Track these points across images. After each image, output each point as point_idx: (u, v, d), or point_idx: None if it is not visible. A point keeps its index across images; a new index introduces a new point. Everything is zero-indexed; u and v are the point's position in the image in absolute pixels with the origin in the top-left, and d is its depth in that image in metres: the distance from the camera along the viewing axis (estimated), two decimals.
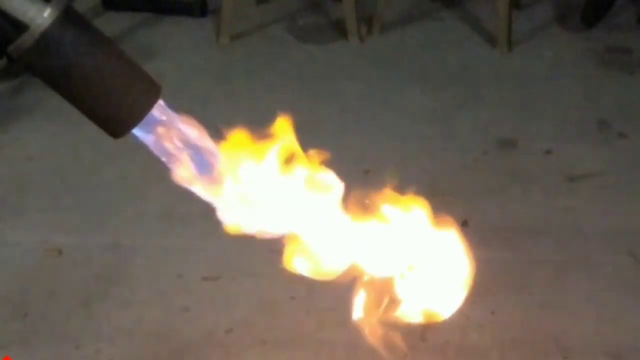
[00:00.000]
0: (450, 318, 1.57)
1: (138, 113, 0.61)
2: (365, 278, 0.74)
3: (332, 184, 0.72)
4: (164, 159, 0.65)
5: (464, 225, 1.82)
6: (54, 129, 2.20)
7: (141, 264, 1.72)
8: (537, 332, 1.52)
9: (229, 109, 2.27)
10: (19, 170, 2.07)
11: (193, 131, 0.66)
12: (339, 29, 2.79)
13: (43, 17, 0.56)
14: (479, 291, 1.66)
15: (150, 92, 0.62)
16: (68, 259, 1.74)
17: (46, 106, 2.25)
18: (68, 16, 0.58)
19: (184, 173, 0.66)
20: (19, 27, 0.56)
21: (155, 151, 0.65)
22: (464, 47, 2.71)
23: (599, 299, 1.60)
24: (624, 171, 2.02)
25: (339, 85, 2.47)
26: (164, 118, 0.64)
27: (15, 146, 2.17)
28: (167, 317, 1.57)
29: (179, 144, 0.65)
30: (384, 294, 0.74)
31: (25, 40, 0.56)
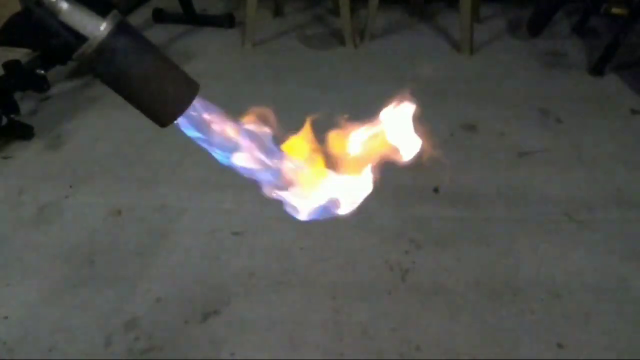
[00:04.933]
0: (424, 263, 1.55)
1: (180, 107, 0.59)
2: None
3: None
4: (200, 142, 0.63)
5: (435, 191, 1.78)
6: (115, 116, 2.16)
7: (183, 221, 1.68)
8: (493, 275, 1.48)
9: (252, 100, 2.24)
10: (88, 148, 2.04)
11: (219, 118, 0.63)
12: (338, 38, 2.76)
13: (100, 30, 0.54)
14: (448, 242, 1.65)
15: (189, 89, 0.60)
16: (126, 217, 1.70)
17: (109, 98, 2.21)
18: (121, 29, 0.55)
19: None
20: (81, 38, 0.55)
21: (193, 137, 0.62)
22: (435, 52, 2.68)
23: (541, 250, 1.56)
24: (561, 149, 1.98)
25: (338, 81, 2.44)
26: (201, 111, 0.61)
27: (85, 129, 2.14)
28: (203, 264, 1.54)
29: (210, 130, 0.62)
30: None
31: (86, 49, 0.54)
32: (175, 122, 0.60)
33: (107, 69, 0.56)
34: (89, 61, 0.55)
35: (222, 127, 0.63)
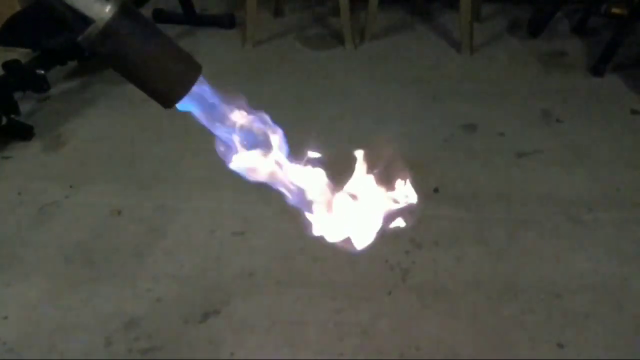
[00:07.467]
0: (424, 263, 1.55)
1: (184, 87, 0.60)
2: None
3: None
4: (207, 126, 0.64)
5: (435, 191, 1.78)
6: (114, 116, 2.16)
7: (182, 221, 1.69)
8: (494, 275, 1.48)
9: (253, 99, 2.24)
10: (88, 148, 2.04)
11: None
12: (338, 38, 2.76)
13: (105, 12, 0.55)
14: (448, 242, 1.65)
15: (192, 70, 0.61)
16: (126, 217, 1.71)
17: (108, 98, 2.25)
18: (125, 11, 0.56)
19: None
20: (86, 21, 0.55)
21: (200, 118, 0.63)
22: (435, 52, 2.67)
23: (541, 249, 1.56)
24: (561, 149, 1.98)
25: (338, 81, 2.43)
26: (205, 93, 0.62)
27: (85, 129, 2.14)
28: (203, 264, 1.54)
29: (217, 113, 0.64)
30: None
31: (92, 31, 0.55)
32: (179, 103, 0.61)
33: (112, 51, 0.57)
34: (94, 43, 0.56)
35: (225, 108, 0.64)
